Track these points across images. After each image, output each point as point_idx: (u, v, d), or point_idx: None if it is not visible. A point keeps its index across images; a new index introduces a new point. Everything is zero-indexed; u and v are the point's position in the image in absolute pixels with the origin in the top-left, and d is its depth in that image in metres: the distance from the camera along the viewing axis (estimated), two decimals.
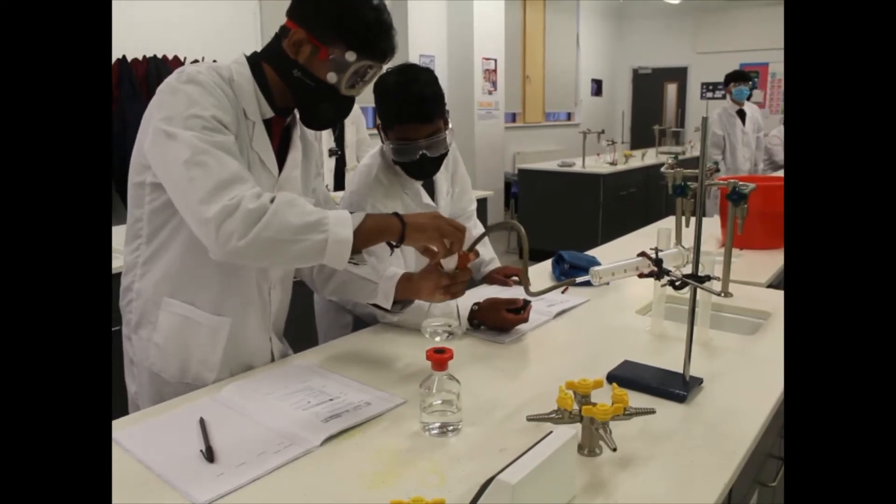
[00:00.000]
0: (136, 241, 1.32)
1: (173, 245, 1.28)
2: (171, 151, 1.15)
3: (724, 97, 5.37)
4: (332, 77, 1.26)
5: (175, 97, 1.18)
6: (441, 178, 1.86)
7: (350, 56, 1.24)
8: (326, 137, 4.30)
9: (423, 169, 1.67)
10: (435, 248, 1.27)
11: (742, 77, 5.26)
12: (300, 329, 1.82)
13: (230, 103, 1.23)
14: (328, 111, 1.33)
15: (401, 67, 1.60)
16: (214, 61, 1.33)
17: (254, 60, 1.30)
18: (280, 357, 1.49)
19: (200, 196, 1.12)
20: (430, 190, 1.80)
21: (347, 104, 1.33)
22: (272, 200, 1.15)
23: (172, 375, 1.34)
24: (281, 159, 1.36)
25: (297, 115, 1.38)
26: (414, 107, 1.56)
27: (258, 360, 1.43)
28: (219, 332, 1.34)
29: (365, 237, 1.22)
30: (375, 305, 1.48)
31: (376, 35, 1.26)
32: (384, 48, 1.28)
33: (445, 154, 1.69)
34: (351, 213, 1.23)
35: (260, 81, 1.29)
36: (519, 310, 1.58)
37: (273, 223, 1.12)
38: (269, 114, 1.31)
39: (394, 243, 1.27)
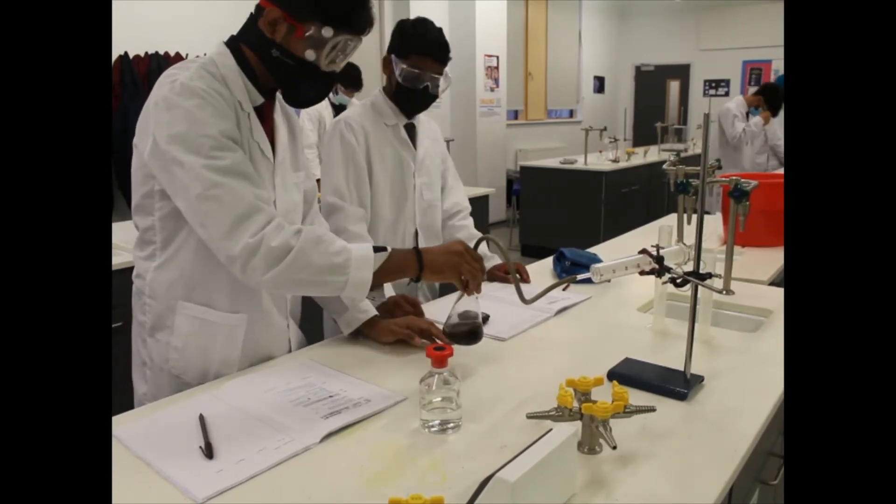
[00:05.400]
0: (149, 247, 1.31)
1: (187, 249, 1.28)
2: (181, 180, 1.15)
3: (726, 94, 5.27)
4: (310, 55, 1.23)
5: (174, 113, 1.15)
6: (425, 137, 2.00)
7: (327, 32, 1.21)
8: (328, 117, 4.39)
9: (417, 102, 1.85)
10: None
11: (779, 102, 5.10)
12: (302, 325, 1.82)
13: (227, 104, 1.21)
14: (310, 89, 1.31)
15: (420, 19, 1.82)
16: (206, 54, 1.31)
17: (233, 45, 1.28)
18: (297, 344, 1.50)
19: (220, 233, 1.15)
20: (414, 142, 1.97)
21: (329, 81, 1.30)
22: (297, 232, 1.18)
23: (194, 377, 1.33)
24: (273, 143, 1.35)
25: (277, 94, 1.37)
26: (434, 45, 1.79)
27: (277, 350, 1.43)
28: (236, 329, 1.34)
29: (385, 276, 1.27)
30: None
31: (352, 8, 1.23)
32: (361, 21, 1.25)
33: (435, 98, 1.87)
34: (375, 249, 1.24)
35: (243, 66, 1.27)
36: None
37: (297, 263, 1.17)
38: (260, 100, 1.30)
39: (414, 278, 1.31)
